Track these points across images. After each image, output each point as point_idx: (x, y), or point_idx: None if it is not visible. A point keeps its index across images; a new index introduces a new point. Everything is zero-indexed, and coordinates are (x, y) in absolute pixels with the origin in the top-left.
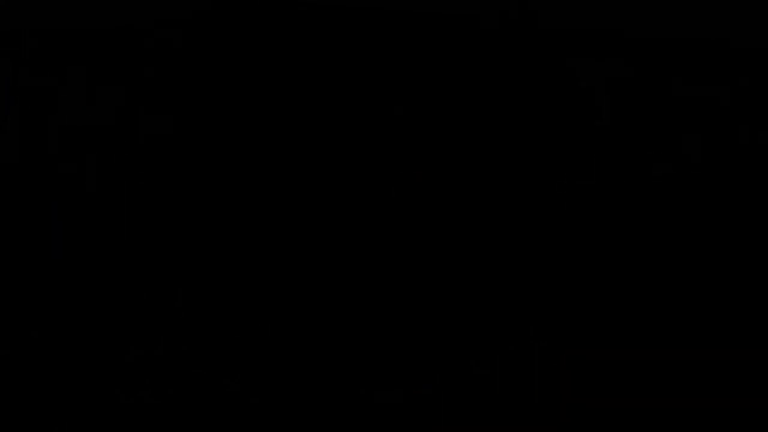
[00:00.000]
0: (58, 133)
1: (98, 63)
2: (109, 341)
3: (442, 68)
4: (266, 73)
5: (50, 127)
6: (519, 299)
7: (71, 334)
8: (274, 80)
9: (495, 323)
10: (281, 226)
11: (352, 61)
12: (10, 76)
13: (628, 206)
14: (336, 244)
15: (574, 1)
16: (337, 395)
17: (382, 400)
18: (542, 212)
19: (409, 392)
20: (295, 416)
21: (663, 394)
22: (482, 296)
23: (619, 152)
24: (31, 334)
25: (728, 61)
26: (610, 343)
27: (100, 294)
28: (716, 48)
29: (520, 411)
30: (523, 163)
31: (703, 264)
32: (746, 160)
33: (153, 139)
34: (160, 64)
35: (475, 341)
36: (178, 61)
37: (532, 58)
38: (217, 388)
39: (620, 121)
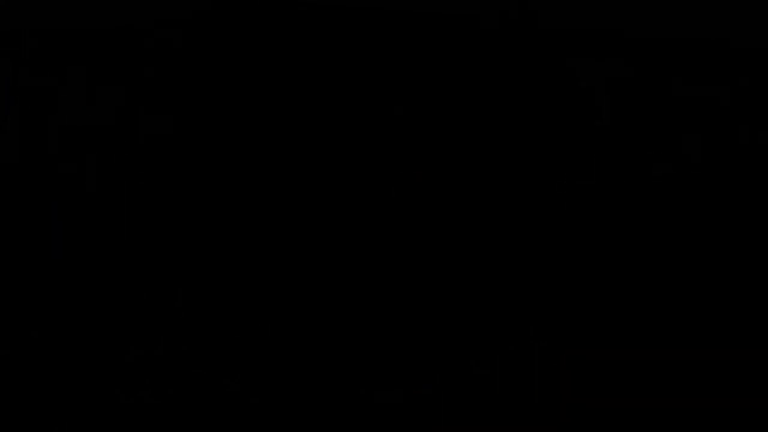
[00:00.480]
0: (58, 133)
1: (98, 63)
2: (109, 341)
3: (442, 68)
4: (266, 73)
5: (50, 127)
6: (519, 299)
7: (71, 334)
8: (274, 80)
9: (495, 323)
10: (281, 226)
11: (352, 61)
12: (10, 76)
13: (628, 206)
14: (336, 244)
15: (574, 1)
16: (337, 395)
17: (382, 400)
18: (542, 212)
19: (409, 392)
20: (295, 416)
21: (663, 394)
22: (482, 296)
23: (619, 152)
24: (31, 334)
25: (728, 61)
26: (610, 343)
27: (100, 294)
28: (716, 48)
29: (520, 411)
30: (523, 163)
31: (703, 264)
32: (746, 160)
33: (153, 139)
34: (160, 64)
35: (475, 341)
36: (178, 61)
37: (532, 58)
38: (217, 388)
39: (620, 121)
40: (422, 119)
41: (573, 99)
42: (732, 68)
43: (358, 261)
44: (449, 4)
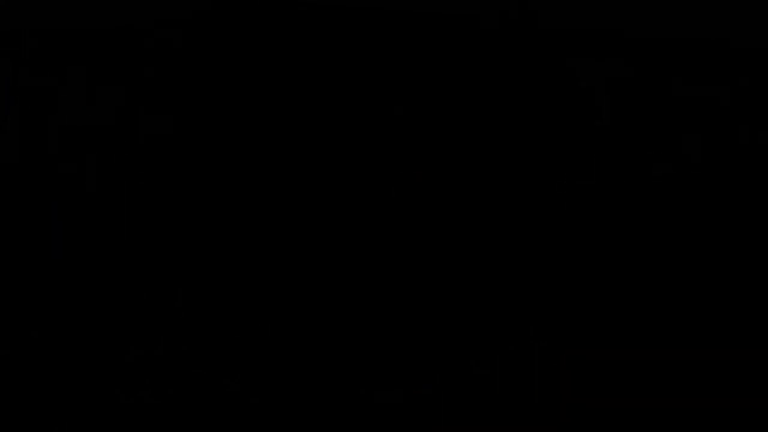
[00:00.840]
0: (58, 133)
1: (98, 63)
2: (109, 341)
3: (442, 68)
4: (266, 73)
5: (50, 127)
6: (519, 299)
7: (71, 334)
8: (274, 80)
9: (495, 323)
10: (281, 226)
11: (352, 61)
12: (10, 76)
13: (628, 206)
14: (336, 244)
15: (574, 1)
16: (337, 395)
17: (382, 400)
18: (542, 212)
19: (409, 392)
20: (295, 416)
21: (663, 394)
22: (482, 296)
23: (619, 152)
24: (31, 334)
25: (728, 61)
26: (610, 343)
27: (100, 294)
28: (716, 48)
29: (520, 411)
30: (523, 163)
31: (703, 264)
32: (746, 160)
33: (153, 139)
34: (160, 64)
35: (475, 341)
36: (178, 61)
37: (532, 58)
38: (217, 388)
39: (620, 121)
40: (422, 119)
41: (573, 99)
42: (732, 68)
43: (358, 261)
44: (449, 4)
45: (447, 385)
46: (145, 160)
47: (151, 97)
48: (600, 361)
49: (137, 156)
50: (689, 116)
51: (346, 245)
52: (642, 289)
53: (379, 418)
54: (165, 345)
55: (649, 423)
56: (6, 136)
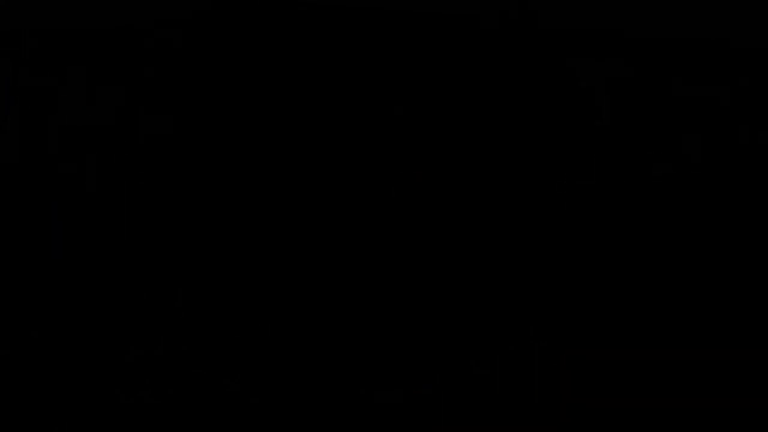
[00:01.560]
0: (58, 133)
1: (98, 63)
2: (109, 341)
3: (442, 68)
4: (266, 73)
5: (50, 127)
6: (519, 299)
7: (71, 334)
8: (274, 80)
9: (495, 323)
10: (281, 226)
11: (352, 61)
12: (10, 76)
13: (628, 206)
14: (336, 244)
15: (574, 1)
16: (337, 395)
17: (382, 400)
18: (542, 212)
19: (409, 392)
20: (295, 416)
21: (663, 394)
22: (482, 296)
23: (619, 152)
24: (31, 334)
25: (728, 61)
26: (610, 343)
27: (100, 294)
28: (716, 48)
29: (520, 411)
30: (523, 163)
31: (703, 264)
32: (746, 160)
33: (153, 139)
34: (160, 64)
35: (475, 341)
36: (178, 61)
37: (532, 58)
38: (217, 388)
39: (620, 121)
40: (422, 119)
41: (573, 99)
42: (732, 68)
43: (358, 261)
44: (449, 4)
45: (447, 385)
46: (145, 160)
47: (151, 97)
48: (600, 361)
49: (137, 156)
50: (689, 116)
51: (345, 245)
52: (642, 289)
53: (379, 418)
54: (165, 345)
55: (649, 423)
56: (6, 136)
